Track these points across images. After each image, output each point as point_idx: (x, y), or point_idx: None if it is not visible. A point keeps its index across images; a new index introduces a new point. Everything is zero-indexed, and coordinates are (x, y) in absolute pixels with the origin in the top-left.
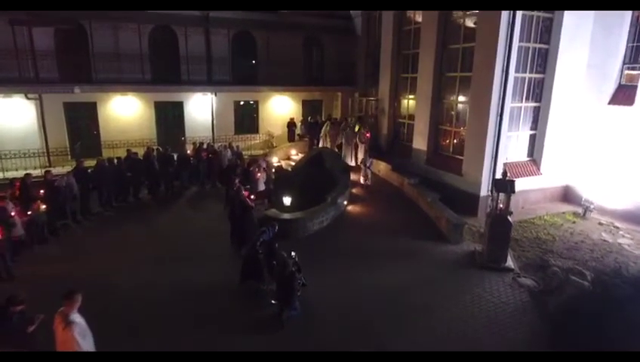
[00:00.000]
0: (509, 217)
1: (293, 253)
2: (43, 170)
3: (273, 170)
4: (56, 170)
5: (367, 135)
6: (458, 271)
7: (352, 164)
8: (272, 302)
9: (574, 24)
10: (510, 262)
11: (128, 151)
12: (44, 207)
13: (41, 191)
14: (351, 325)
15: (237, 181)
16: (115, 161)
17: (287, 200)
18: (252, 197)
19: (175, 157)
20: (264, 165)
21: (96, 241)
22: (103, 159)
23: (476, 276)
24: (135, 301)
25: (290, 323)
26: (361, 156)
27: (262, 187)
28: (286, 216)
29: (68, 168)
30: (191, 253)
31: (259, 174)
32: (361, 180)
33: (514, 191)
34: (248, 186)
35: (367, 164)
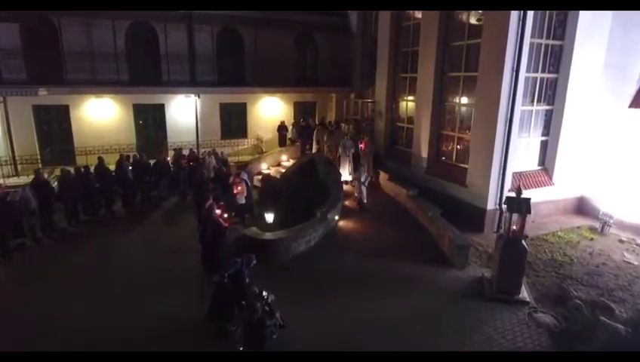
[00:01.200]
0: (523, 241)
1: (265, 293)
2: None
3: (254, 180)
4: (22, 180)
5: (362, 146)
6: (464, 303)
7: (349, 178)
8: (240, 349)
9: (591, 19)
10: (524, 293)
11: (99, 159)
12: None
13: None
14: None
15: (209, 199)
16: (83, 170)
17: (269, 218)
18: (225, 216)
19: (152, 164)
20: (245, 176)
21: (50, 264)
22: (68, 169)
23: (485, 310)
24: (73, 343)
25: None
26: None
27: (242, 201)
28: (268, 236)
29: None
30: (156, 280)
31: (239, 187)
32: (355, 194)
33: (529, 212)
34: (222, 203)
35: (362, 180)
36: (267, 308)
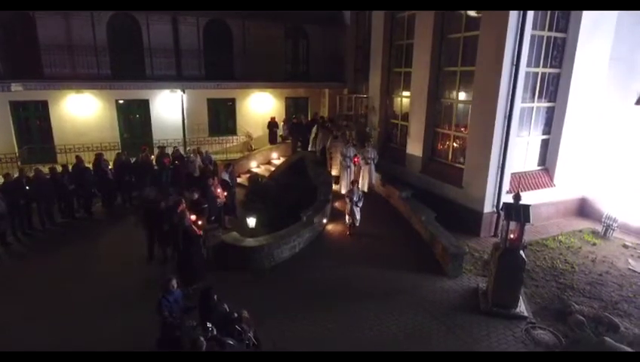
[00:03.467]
0: (521, 252)
1: (209, 325)
2: None
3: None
4: None
5: (355, 160)
6: (456, 318)
7: (344, 191)
8: None
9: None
10: (522, 306)
11: (77, 158)
12: None
13: None
14: None
15: (182, 203)
16: (61, 169)
17: (251, 222)
18: (200, 223)
19: (133, 163)
20: (226, 176)
21: (15, 271)
22: (41, 170)
23: (479, 326)
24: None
25: None
26: (346, 185)
27: (221, 203)
28: (249, 241)
29: (16, 176)
30: (129, 292)
31: (219, 189)
32: (346, 220)
33: (529, 220)
34: (204, 203)
35: (355, 199)
36: (239, 328)
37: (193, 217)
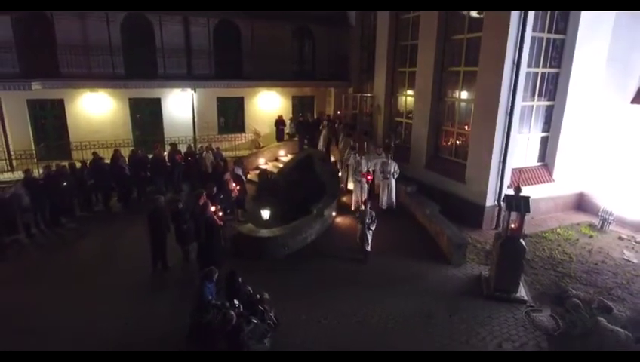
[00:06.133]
0: (522, 240)
1: (236, 302)
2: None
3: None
4: (17, 175)
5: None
6: (460, 302)
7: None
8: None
9: (595, 12)
10: (522, 291)
11: (94, 154)
12: None
13: None
14: None
15: (203, 195)
16: (79, 165)
17: (265, 214)
18: (220, 214)
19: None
20: (239, 172)
21: (42, 261)
22: (64, 165)
23: (482, 310)
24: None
25: None
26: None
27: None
28: (263, 233)
29: (35, 172)
30: (150, 281)
31: (234, 184)
32: (357, 240)
33: (529, 210)
34: (221, 196)
35: (368, 221)
36: (261, 307)
37: (213, 208)
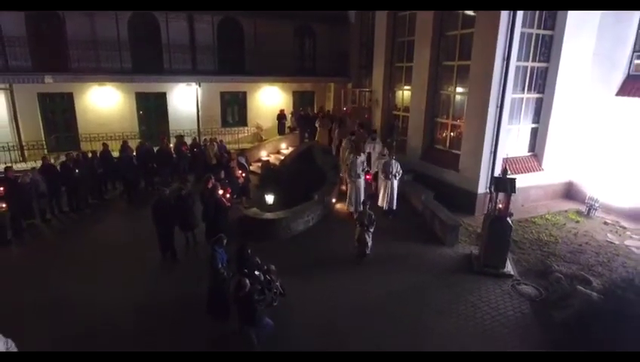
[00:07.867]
0: (508, 219)
1: (257, 273)
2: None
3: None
4: (29, 165)
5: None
6: (452, 277)
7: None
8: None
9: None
10: (509, 267)
11: (104, 145)
12: (4, 205)
13: (1, 188)
14: (329, 340)
15: (211, 179)
16: (90, 155)
17: (270, 199)
18: (227, 196)
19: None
20: (243, 160)
21: (60, 245)
22: (76, 154)
23: (472, 282)
24: (86, 313)
25: (262, 339)
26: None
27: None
28: (268, 215)
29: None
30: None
31: (239, 171)
32: (355, 244)
33: (514, 191)
34: (227, 181)
35: (366, 223)
36: (268, 277)
37: (221, 191)
